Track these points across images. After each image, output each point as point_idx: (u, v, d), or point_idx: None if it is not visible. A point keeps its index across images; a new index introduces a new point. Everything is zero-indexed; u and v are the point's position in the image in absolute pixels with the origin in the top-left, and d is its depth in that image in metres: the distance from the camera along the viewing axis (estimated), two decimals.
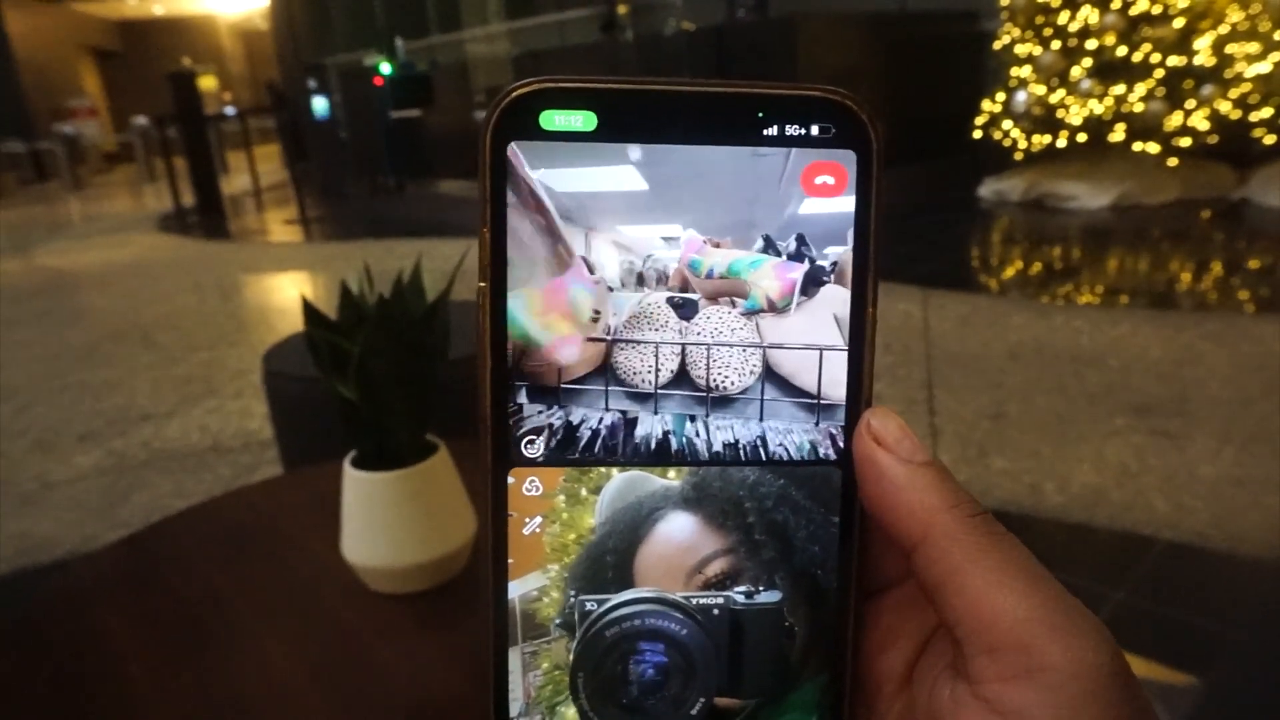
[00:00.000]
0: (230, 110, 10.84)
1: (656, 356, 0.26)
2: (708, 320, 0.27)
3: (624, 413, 0.26)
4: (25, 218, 8.96)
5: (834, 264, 0.26)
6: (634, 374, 0.27)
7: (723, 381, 0.27)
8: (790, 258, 0.26)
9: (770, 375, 0.27)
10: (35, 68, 13.66)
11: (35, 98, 13.42)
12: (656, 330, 0.27)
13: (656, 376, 0.27)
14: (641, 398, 0.27)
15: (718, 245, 0.26)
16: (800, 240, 0.26)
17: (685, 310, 0.27)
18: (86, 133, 13.34)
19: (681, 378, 0.27)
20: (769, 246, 0.26)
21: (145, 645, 0.78)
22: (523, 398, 0.26)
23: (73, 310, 4.72)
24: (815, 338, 0.26)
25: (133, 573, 0.92)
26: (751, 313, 0.27)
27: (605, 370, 0.26)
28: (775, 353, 0.26)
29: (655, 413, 0.26)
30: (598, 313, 0.26)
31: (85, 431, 2.85)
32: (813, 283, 0.26)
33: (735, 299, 0.27)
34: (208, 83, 15.73)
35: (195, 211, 7.57)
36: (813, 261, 0.26)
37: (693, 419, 0.26)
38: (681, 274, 0.27)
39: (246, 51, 18.88)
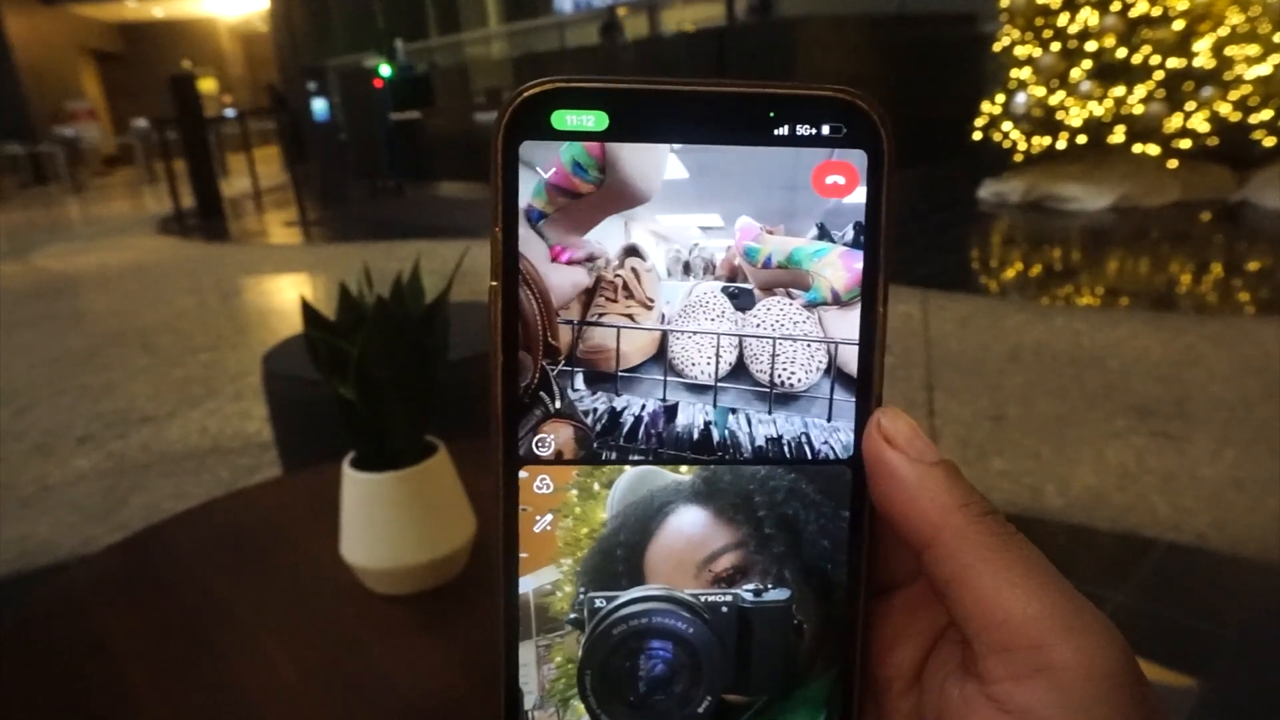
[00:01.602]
0: (230, 112, 10.85)
1: (717, 347, 0.26)
2: (767, 312, 0.26)
3: (663, 400, 0.26)
4: (25, 220, 8.96)
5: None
6: (691, 365, 0.26)
7: (789, 378, 0.26)
8: (848, 246, 0.26)
9: (839, 374, 0.26)
10: (35, 70, 13.68)
11: (35, 100, 13.43)
12: (712, 320, 0.26)
13: (717, 368, 0.26)
14: (699, 390, 0.26)
15: (771, 233, 0.26)
16: (859, 229, 0.25)
17: (741, 300, 0.26)
18: (86, 135, 13.36)
19: (740, 371, 0.26)
20: (824, 235, 0.26)
21: (145, 647, 0.78)
22: (580, 383, 0.26)
23: (72, 313, 4.72)
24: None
25: (132, 575, 0.91)
26: (814, 305, 0.26)
27: (662, 359, 0.26)
28: (843, 349, 0.26)
29: (715, 405, 0.26)
30: (652, 299, 0.26)
31: (84, 434, 2.84)
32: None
33: (793, 290, 0.26)
34: (207, 85, 15.74)
35: (195, 214, 7.58)
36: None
37: (734, 411, 0.26)
38: (730, 263, 0.26)
39: (246, 54, 18.90)
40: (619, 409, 0.26)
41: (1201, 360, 2.67)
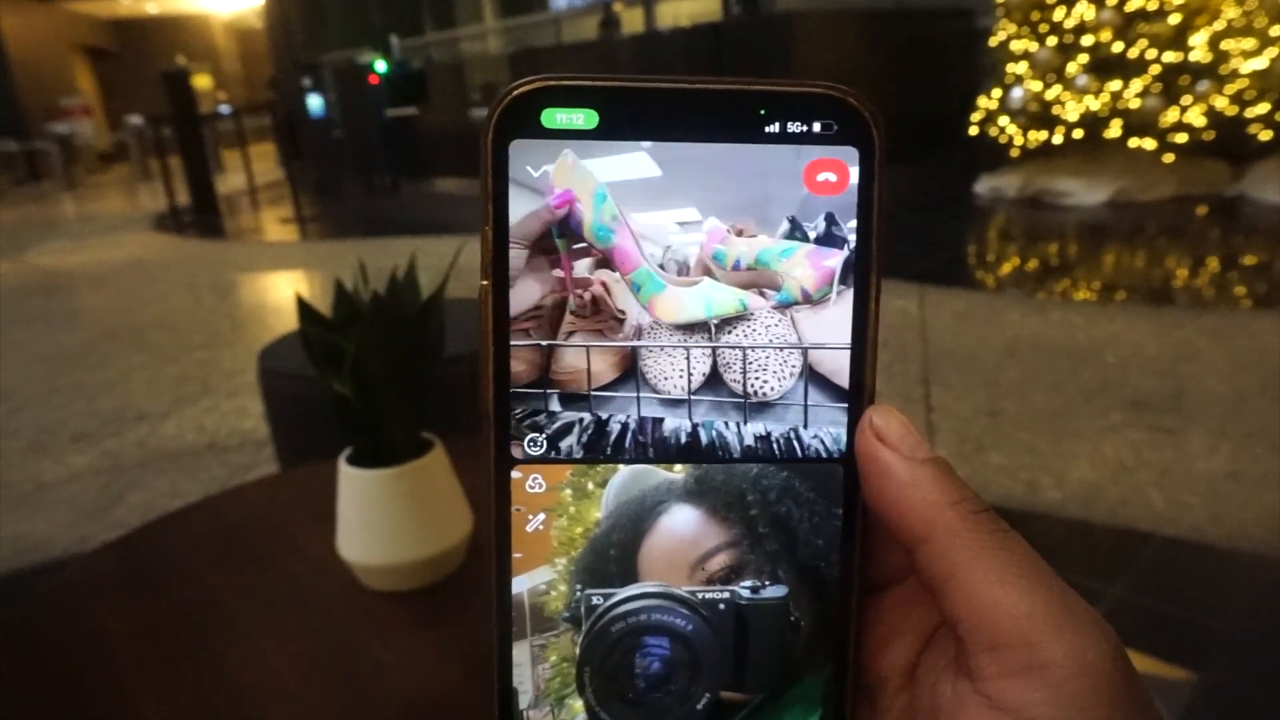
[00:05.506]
0: (225, 109, 10.82)
1: (689, 360, 0.26)
2: (738, 317, 0.26)
3: (639, 416, 0.26)
4: (19, 218, 8.93)
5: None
6: (664, 379, 0.26)
7: (761, 386, 0.26)
8: (819, 241, 0.25)
9: (812, 376, 0.25)
10: (29, 67, 13.62)
11: (29, 97, 13.38)
12: (685, 330, 0.26)
13: (689, 381, 0.26)
14: (673, 404, 0.26)
15: (741, 233, 0.25)
16: (830, 220, 0.25)
17: None
18: (80, 132, 13.31)
19: (714, 380, 0.26)
20: (796, 229, 0.25)
21: (142, 645, 0.78)
22: (555, 404, 0.25)
23: (67, 310, 4.71)
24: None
25: (128, 573, 0.91)
26: (785, 306, 0.26)
27: (635, 375, 0.26)
28: (816, 350, 0.25)
29: (689, 419, 0.26)
30: (623, 312, 0.25)
31: (80, 432, 2.84)
32: (852, 269, 0.25)
33: (766, 291, 0.26)
34: (202, 81, 15.70)
35: (190, 211, 7.55)
36: (849, 245, 0.25)
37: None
38: (704, 264, 0.26)
39: (241, 50, 18.85)
40: (604, 419, 0.26)
41: (1198, 354, 2.67)
